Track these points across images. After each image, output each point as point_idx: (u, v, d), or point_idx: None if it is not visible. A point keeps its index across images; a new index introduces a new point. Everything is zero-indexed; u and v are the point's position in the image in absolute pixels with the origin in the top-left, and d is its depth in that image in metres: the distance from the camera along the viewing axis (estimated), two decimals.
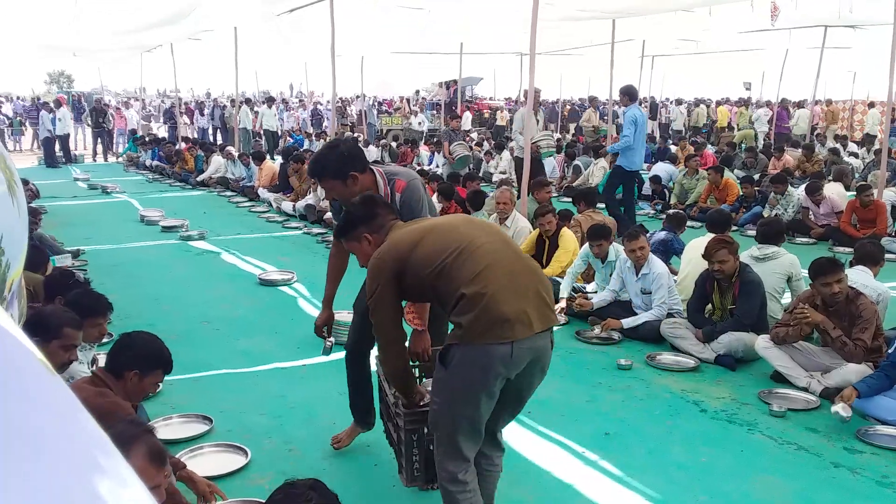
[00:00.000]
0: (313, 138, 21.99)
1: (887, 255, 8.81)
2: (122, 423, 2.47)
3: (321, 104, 30.53)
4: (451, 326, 2.74)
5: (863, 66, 24.32)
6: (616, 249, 6.42)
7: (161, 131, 27.53)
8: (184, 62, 23.87)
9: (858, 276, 5.18)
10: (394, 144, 20.51)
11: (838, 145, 17.05)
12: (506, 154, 16.60)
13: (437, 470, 2.75)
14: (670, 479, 3.64)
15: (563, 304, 6.25)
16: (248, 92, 29.85)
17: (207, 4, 12.88)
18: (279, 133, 23.63)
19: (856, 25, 15.20)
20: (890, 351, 4.42)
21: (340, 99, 31.71)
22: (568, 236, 7.03)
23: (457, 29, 19.82)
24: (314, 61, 23.87)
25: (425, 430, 2.95)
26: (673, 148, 17.80)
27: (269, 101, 24.32)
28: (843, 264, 4.79)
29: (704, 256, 5.37)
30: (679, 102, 27.50)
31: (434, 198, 8.81)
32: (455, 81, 24.83)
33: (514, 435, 4.10)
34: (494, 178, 15.10)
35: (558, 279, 6.66)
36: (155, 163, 17.80)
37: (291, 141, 22.31)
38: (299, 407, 4.42)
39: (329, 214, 10.65)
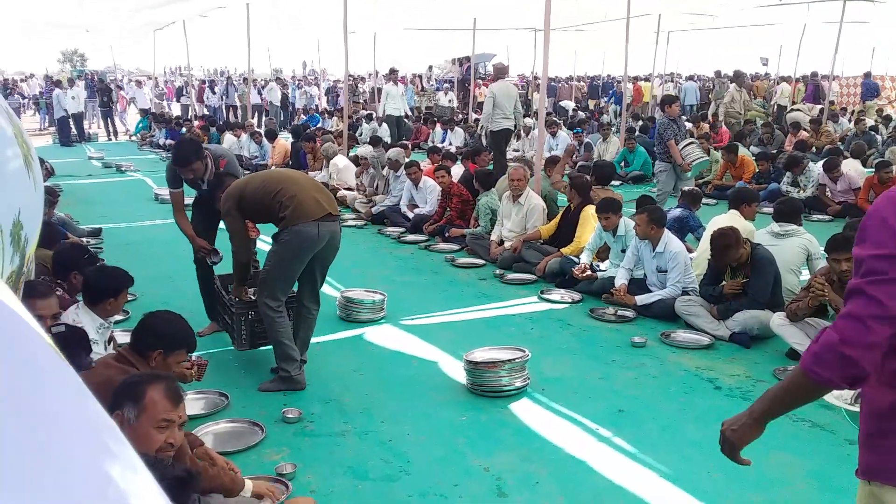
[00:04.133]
0: (326, 116, 21.97)
1: None
2: (145, 373, 2.68)
3: (339, 81, 30.41)
4: None
5: (882, 40, 23.89)
6: (626, 223, 6.41)
7: (176, 109, 27.55)
8: (196, 40, 23.84)
9: None
10: (408, 120, 20.44)
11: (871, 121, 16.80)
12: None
13: (259, 305, 4.37)
14: (684, 457, 3.64)
15: (583, 269, 6.43)
16: (256, 70, 29.85)
17: None
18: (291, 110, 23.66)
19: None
20: None
21: (352, 76, 31.63)
22: (590, 213, 6.95)
23: (470, 4, 19.64)
24: (327, 39, 23.83)
25: (250, 314, 4.60)
26: (688, 125, 17.62)
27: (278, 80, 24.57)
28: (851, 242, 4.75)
29: (715, 258, 5.33)
30: (691, 78, 27.16)
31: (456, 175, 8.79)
32: (468, 58, 24.62)
33: (527, 411, 4.14)
34: (508, 156, 15.03)
35: (575, 259, 6.68)
36: (169, 141, 17.84)
37: (305, 118, 22.28)
38: (313, 383, 4.45)
39: (342, 192, 10.68)
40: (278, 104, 24.88)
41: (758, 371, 4.76)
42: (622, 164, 13.28)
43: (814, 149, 14.06)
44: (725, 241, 5.20)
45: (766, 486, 3.38)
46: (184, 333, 3.21)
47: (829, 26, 17.00)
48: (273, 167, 13.04)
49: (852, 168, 10.33)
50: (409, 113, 19.57)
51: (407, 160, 9.65)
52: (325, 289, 6.45)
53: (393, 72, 16.54)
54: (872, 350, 1.59)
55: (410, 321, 5.71)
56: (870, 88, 21.48)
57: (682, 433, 3.91)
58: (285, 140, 14.43)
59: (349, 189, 10.82)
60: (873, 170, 9.82)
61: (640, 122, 16.78)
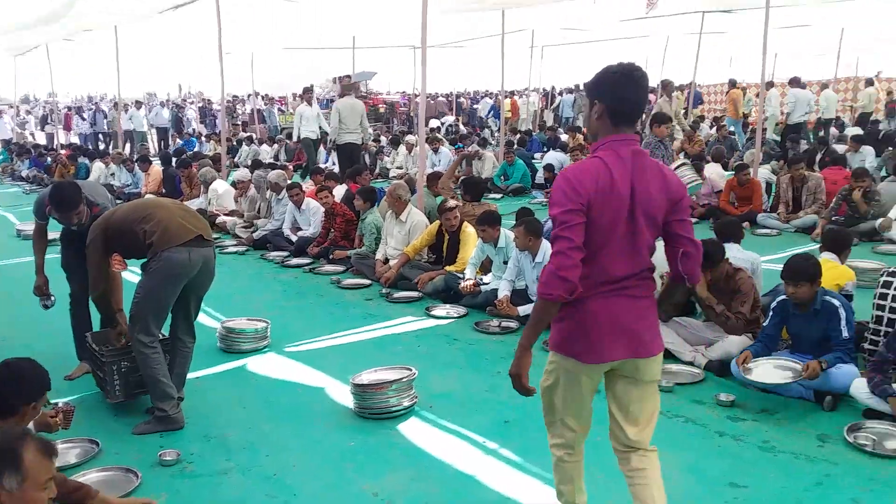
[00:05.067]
0: (204, 140, 21.37)
1: (761, 230, 9.45)
2: (4, 434, 2.48)
3: (212, 103, 29.62)
4: None
5: (738, 50, 25.53)
6: (506, 235, 6.55)
7: (41, 138, 26.04)
8: (61, 65, 22.62)
9: (731, 251, 5.48)
10: (290, 142, 20.17)
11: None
12: (402, 149, 16.61)
13: (133, 343, 4.15)
14: None
15: (471, 284, 6.51)
16: (131, 94, 28.62)
17: (84, 3, 12.19)
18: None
19: (730, 10, 15.94)
20: (765, 324, 4.69)
21: (231, 98, 30.91)
22: (470, 232, 7.08)
23: (348, 23, 19.63)
24: (201, 60, 23.12)
25: (122, 363, 4.34)
26: (564, 137, 18.24)
27: (138, 103, 23.65)
28: (722, 253, 5.04)
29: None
30: (570, 91, 28.15)
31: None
32: (349, 76, 24.60)
33: (415, 430, 4.13)
34: (391, 174, 15.08)
35: (459, 276, 6.75)
36: (33, 172, 16.84)
37: (181, 143, 21.56)
38: (192, 421, 4.27)
39: (221, 218, 10.39)
40: (169, 126, 23.76)
41: None
42: (502, 177, 13.56)
43: (683, 154, 14.84)
44: None
45: None
46: (40, 377, 3.01)
47: (690, 37, 17.97)
48: (147, 196, 12.54)
49: (714, 172, 10.97)
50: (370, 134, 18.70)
51: (289, 182, 9.51)
52: (205, 319, 6.25)
53: (307, 91, 15.54)
54: (576, 269, 2.46)
55: (296, 348, 5.60)
56: (696, 97, 23.11)
57: None
58: (159, 167, 13.90)
59: (229, 214, 10.54)
60: (733, 172, 10.46)
61: (518, 136, 17.20)
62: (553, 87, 27.26)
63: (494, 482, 3.56)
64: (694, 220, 10.13)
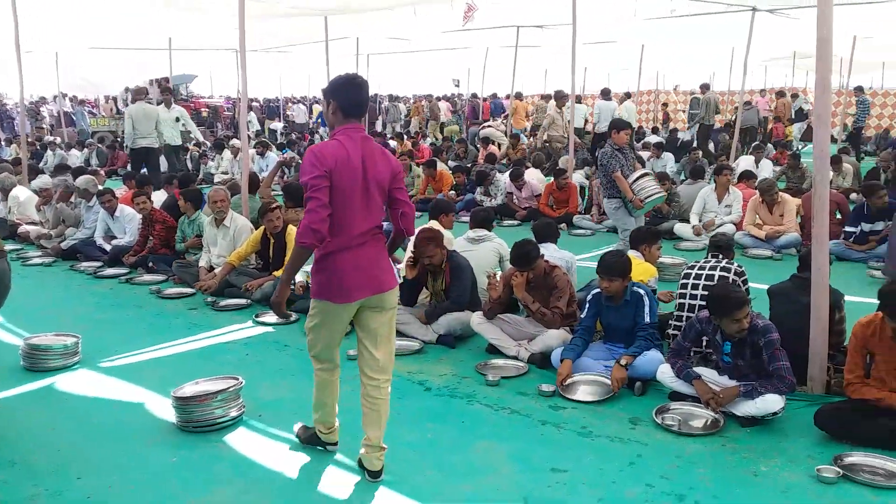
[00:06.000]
0: (3, 144, 19.54)
1: (577, 231, 10.07)
2: None
3: (6, 105, 27.09)
4: None
5: (552, 63, 27.00)
6: None
7: None
8: None
9: (548, 251, 5.80)
10: (101, 146, 18.91)
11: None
12: (227, 154, 16.07)
13: None
14: (400, 458, 3.77)
15: (298, 285, 6.34)
16: None
17: None
18: None
19: (543, 25, 16.83)
20: (582, 317, 5.00)
21: (38, 99, 28.48)
22: (294, 233, 6.96)
23: (164, 23, 18.65)
24: None
25: None
26: (392, 143, 18.43)
27: None
28: (537, 252, 5.30)
29: (415, 253, 5.63)
30: (394, 100, 28.51)
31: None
32: (167, 79, 23.39)
33: (243, 440, 4.01)
34: (216, 179, 14.53)
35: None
36: None
37: None
38: None
39: (24, 227, 9.54)
40: None
41: (463, 368, 5.10)
42: None
43: (505, 160, 15.49)
44: (428, 233, 5.55)
45: (475, 475, 3.62)
46: None
47: (507, 50, 18.76)
48: None
49: (534, 177, 11.54)
50: (201, 139, 17.36)
51: (101, 188, 8.91)
52: (6, 336, 5.73)
53: (166, 91, 14.39)
54: (324, 223, 3.17)
55: (111, 363, 5.25)
56: (497, 107, 24.63)
57: (397, 436, 4.03)
58: None
59: (32, 224, 9.69)
60: (552, 177, 11.05)
61: None
62: (377, 95, 27.48)
63: (327, 486, 3.53)
64: (515, 222, 10.61)
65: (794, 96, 23.46)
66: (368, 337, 3.54)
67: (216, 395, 4.13)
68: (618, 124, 7.49)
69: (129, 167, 14.48)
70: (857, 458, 3.69)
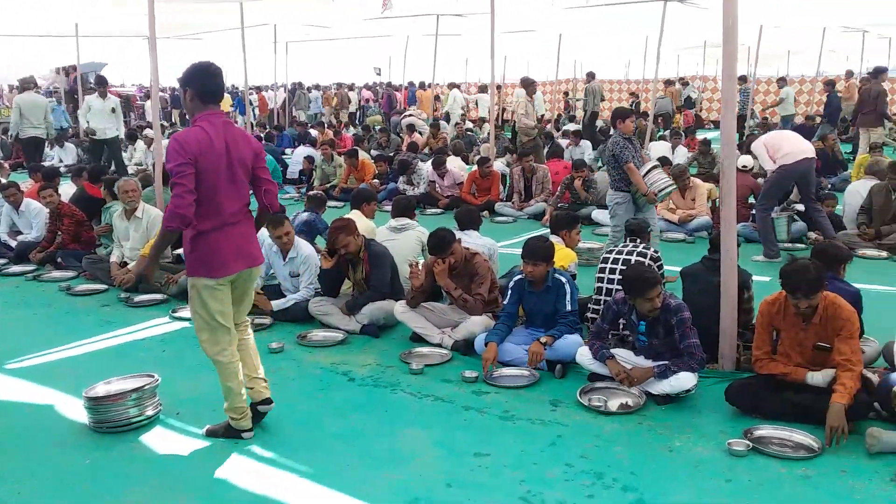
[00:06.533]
0: None
1: (499, 218, 10.18)
2: None
3: None
4: None
5: (472, 52, 27.18)
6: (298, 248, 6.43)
7: None
8: None
9: (468, 238, 5.85)
10: (5, 137, 18.01)
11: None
12: (140, 144, 15.55)
13: None
14: (325, 451, 3.75)
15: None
16: None
17: None
18: None
19: (462, 14, 16.89)
20: (505, 303, 5.06)
21: None
22: None
23: (70, 9, 17.88)
24: None
25: None
26: (314, 132, 18.19)
27: None
28: (452, 237, 5.33)
29: (329, 245, 5.58)
30: (316, 88, 28.11)
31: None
32: (74, 67, 22.40)
33: (160, 439, 3.92)
34: (130, 170, 14.03)
35: None
36: None
37: None
38: None
39: None
40: None
41: (387, 357, 5.09)
42: None
43: (427, 149, 15.49)
44: (339, 223, 5.53)
45: (400, 463, 3.63)
46: None
47: (428, 39, 18.76)
48: None
49: (456, 165, 11.59)
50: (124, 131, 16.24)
51: (3, 181, 8.48)
52: None
53: (101, 83, 13.22)
54: (190, 207, 3.37)
55: (18, 364, 5.02)
56: (414, 96, 24.58)
57: (321, 429, 4.01)
58: None
59: None
60: (475, 166, 11.12)
61: (266, 131, 16.87)
62: (300, 83, 27.04)
63: (248, 483, 3.47)
64: (438, 210, 10.64)
65: (685, 84, 24.23)
66: (237, 301, 3.83)
67: (130, 394, 4.00)
68: (622, 113, 7.01)
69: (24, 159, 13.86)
70: (765, 430, 3.86)
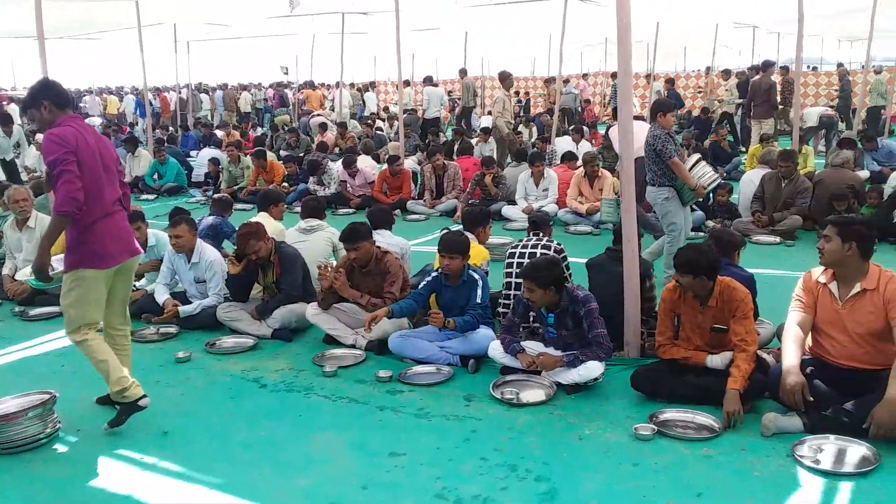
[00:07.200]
0: None
1: (411, 216, 10.19)
2: None
3: None
4: None
5: (379, 50, 27.04)
6: (157, 237, 6.23)
7: None
8: None
9: (381, 237, 5.84)
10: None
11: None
12: (32, 150, 14.75)
13: None
14: (236, 461, 3.66)
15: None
16: None
17: None
18: None
19: (367, 12, 16.79)
20: (419, 287, 5.09)
21: None
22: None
23: None
24: None
25: None
26: (220, 133, 17.74)
27: None
28: (368, 231, 5.32)
29: (238, 251, 5.47)
30: (222, 88, 27.40)
31: None
32: None
33: (60, 459, 3.73)
34: (23, 178, 13.31)
35: None
36: None
37: None
38: None
39: None
40: None
41: (300, 361, 5.02)
42: (154, 176, 12.78)
43: (338, 149, 15.34)
44: (248, 227, 5.44)
45: (314, 468, 3.58)
46: None
47: (334, 37, 18.54)
48: None
49: (367, 164, 11.52)
50: None
51: None
52: None
53: (5, 122, 12.20)
54: (80, 191, 3.59)
55: None
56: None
57: (231, 438, 3.92)
58: None
59: None
60: (385, 164, 11.09)
61: (168, 133, 16.34)
62: (201, 84, 26.30)
63: (153, 498, 3.35)
64: (350, 210, 10.56)
65: (566, 81, 24.87)
66: (115, 296, 4.05)
67: (27, 413, 3.81)
68: (664, 106, 6.56)
69: None
70: (669, 414, 4.01)
